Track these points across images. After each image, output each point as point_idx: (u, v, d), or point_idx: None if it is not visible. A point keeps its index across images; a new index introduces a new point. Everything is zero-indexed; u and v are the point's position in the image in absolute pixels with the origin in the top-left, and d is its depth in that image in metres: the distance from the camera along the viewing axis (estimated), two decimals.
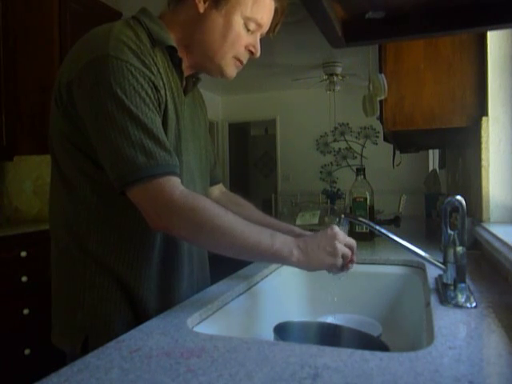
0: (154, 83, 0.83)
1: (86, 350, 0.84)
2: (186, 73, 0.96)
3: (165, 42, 0.88)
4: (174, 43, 0.90)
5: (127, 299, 0.89)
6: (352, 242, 0.90)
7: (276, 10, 0.96)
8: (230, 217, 0.81)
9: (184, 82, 0.97)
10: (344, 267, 0.89)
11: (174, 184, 0.79)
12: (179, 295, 0.95)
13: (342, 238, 0.87)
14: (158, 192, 0.78)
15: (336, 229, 0.88)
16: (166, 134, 0.85)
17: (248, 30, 0.91)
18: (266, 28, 0.95)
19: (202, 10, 0.88)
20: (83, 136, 0.84)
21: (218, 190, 1.21)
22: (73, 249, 0.89)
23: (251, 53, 0.94)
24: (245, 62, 0.95)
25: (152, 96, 0.82)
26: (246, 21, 0.90)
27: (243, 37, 0.91)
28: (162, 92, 0.86)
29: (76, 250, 0.88)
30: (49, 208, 0.96)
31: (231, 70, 0.95)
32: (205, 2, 0.88)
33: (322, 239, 0.86)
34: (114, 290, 0.88)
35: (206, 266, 1.10)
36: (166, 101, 0.87)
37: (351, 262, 0.90)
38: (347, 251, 0.87)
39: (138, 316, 0.88)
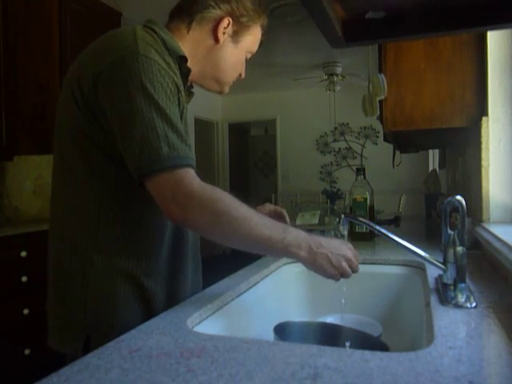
0: (176, 84, 0.87)
1: (87, 350, 0.82)
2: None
3: (177, 52, 0.93)
4: (185, 54, 0.95)
5: (134, 298, 0.89)
6: (356, 266, 0.90)
7: None
8: (246, 209, 0.83)
9: None
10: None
11: (193, 176, 0.82)
12: (184, 293, 0.97)
13: (349, 256, 0.88)
14: (178, 182, 0.80)
15: (349, 245, 0.90)
16: None
17: (245, 59, 1.08)
18: None
19: (221, 41, 0.98)
20: (101, 129, 0.85)
21: None
22: (78, 247, 0.88)
23: (240, 75, 1.09)
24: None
25: (175, 95, 0.86)
26: (248, 53, 1.06)
27: (244, 65, 1.08)
28: (182, 93, 0.91)
29: (82, 247, 0.88)
30: (51, 207, 0.96)
31: (227, 89, 1.08)
32: (224, 34, 0.98)
33: (331, 245, 0.87)
34: (120, 289, 0.88)
35: (200, 269, 1.10)
36: (183, 102, 0.91)
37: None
38: (348, 270, 0.88)
39: (144, 316, 0.88)
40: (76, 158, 0.88)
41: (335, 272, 0.86)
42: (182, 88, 0.90)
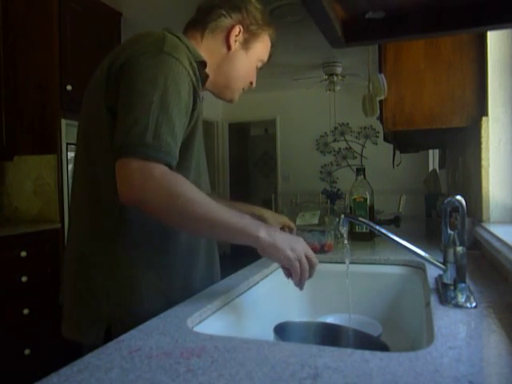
0: (193, 85, 0.91)
1: (108, 340, 0.85)
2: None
3: (198, 57, 0.98)
4: (205, 59, 1.00)
5: (154, 289, 0.92)
6: (314, 259, 0.92)
7: None
8: (203, 195, 0.84)
9: None
10: (300, 279, 0.91)
11: (159, 166, 0.82)
12: (195, 287, 0.99)
13: (306, 247, 0.91)
14: (142, 168, 0.80)
15: (303, 240, 0.93)
16: (194, 135, 0.95)
17: (256, 68, 1.13)
18: None
19: (233, 49, 1.05)
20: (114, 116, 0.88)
21: None
22: (102, 239, 0.92)
23: (250, 84, 1.14)
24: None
25: (187, 96, 0.89)
26: (258, 61, 1.12)
27: (255, 73, 1.13)
28: (199, 95, 0.94)
29: (106, 240, 0.91)
30: (73, 199, 1.00)
31: (238, 97, 1.14)
32: (235, 42, 1.05)
33: (288, 235, 0.91)
34: (142, 280, 0.91)
35: (217, 263, 1.13)
36: (198, 106, 0.94)
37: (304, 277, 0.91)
38: (305, 261, 0.89)
39: (163, 307, 0.89)
40: (100, 150, 0.92)
41: (293, 255, 0.87)
42: (199, 90, 0.94)
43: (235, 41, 1.04)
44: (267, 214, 1.25)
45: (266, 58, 1.13)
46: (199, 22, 1.05)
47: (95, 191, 0.93)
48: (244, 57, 1.07)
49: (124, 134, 0.82)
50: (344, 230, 1.00)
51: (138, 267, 0.91)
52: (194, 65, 0.93)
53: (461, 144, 1.95)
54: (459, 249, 0.88)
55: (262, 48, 1.10)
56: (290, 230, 1.28)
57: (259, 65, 1.13)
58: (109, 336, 0.86)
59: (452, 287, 0.88)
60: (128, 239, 0.91)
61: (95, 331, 0.89)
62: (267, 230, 0.86)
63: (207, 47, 1.04)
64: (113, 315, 0.89)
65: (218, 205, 0.85)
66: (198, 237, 1.02)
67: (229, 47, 1.04)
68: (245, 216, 0.87)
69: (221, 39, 1.04)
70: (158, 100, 0.83)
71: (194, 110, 0.92)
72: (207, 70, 1.01)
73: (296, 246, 0.88)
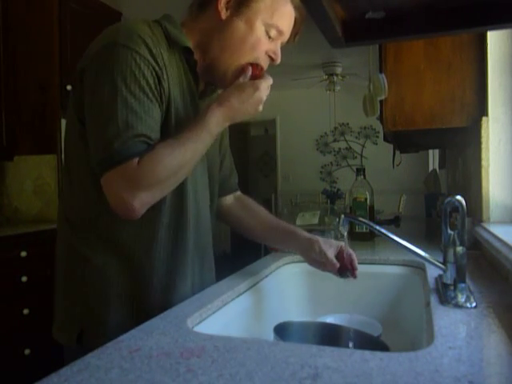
0: (157, 73, 0.84)
1: (81, 342, 0.87)
2: (204, 79, 1.00)
3: (180, 43, 0.91)
4: (190, 45, 0.92)
5: (126, 296, 0.89)
6: (267, 81, 0.93)
7: (296, 19, 0.98)
8: (177, 152, 0.82)
9: (202, 87, 1.01)
10: None
11: (130, 163, 0.79)
12: (180, 295, 0.94)
13: (261, 96, 0.91)
14: (120, 181, 0.79)
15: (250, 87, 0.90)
16: (166, 127, 0.88)
17: (269, 37, 0.94)
18: (286, 36, 0.98)
19: (224, 16, 0.91)
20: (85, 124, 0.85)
21: (233, 196, 1.21)
22: (74, 245, 0.90)
23: (272, 59, 0.97)
24: (265, 67, 0.98)
25: (153, 86, 0.83)
26: (268, 27, 0.93)
27: (264, 42, 0.94)
28: (166, 85, 0.87)
29: (77, 246, 0.90)
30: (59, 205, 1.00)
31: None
32: (227, 10, 0.91)
33: (240, 101, 0.89)
34: (112, 287, 0.88)
35: (211, 267, 1.09)
36: (170, 95, 0.88)
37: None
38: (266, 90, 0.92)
39: (134, 315, 0.88)
40: (72, 153, 0.90)
41: (256, 110, 0.90)
42: (166, 78, 0.86)
43: (226, 8, 0.90)
44: (320, 239, 1.06)
45: (279, 21, 0.93)
46: (193, 4, 0.96)
47: (69, 199, 0.92)
48: (240, 24, 0.91)
49: (95, 151, 0.81)
50: (344, 230, 1.00)
51: (110, 274, 0.88)
52: (163, 51, 0.86)
53: (461, 144, 1.95)
54: (459, 249, 0.88)
55: (265, 9, 0.91)
56: (342, 249, 1.04)
57: (273, 33, 0.94)
58: (82, 339, 0.86)
59: (452, 287, 0.88)
60: (101, 246, 0.89)
61: (69, 333, 0.89)
62: (228, 118, 0.88)
63: (201, 27, 0.94)
64: (84, 319, 0.88)
65: (189, 143, 0.83)
66: (187, 247, 0.95)
67: (219, 16, 0.91)
68: (201, 128, 0.85)
69: (212, 12, 0.91)
70: (122, 104, 0.79)
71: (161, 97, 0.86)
72: (205, 54, 0.94)
73: (253, 104, 0.89)
